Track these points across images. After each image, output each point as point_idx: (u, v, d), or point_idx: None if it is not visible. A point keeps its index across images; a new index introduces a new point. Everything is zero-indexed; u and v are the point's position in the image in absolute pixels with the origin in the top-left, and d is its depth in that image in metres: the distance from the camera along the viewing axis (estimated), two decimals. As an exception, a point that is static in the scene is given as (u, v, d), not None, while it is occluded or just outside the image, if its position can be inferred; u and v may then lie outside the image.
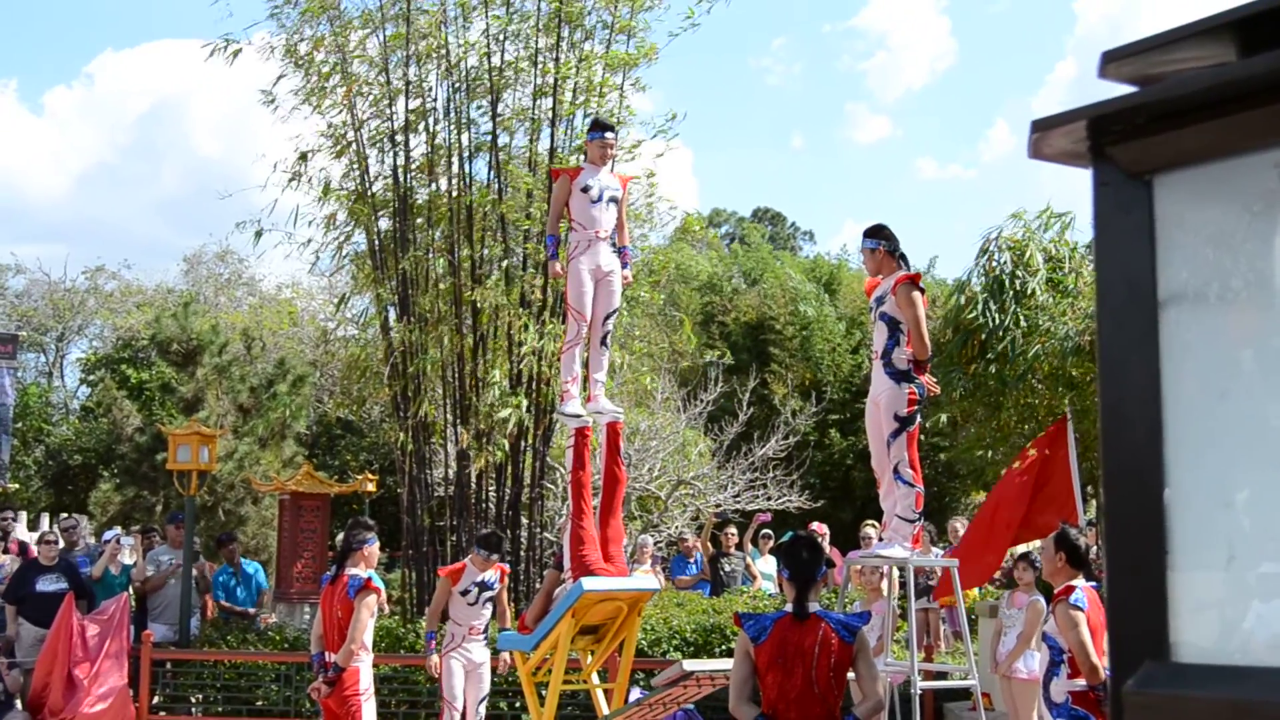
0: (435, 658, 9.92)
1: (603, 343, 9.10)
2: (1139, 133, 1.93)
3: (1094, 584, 7.68)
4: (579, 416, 8.87)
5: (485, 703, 10.06)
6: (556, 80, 14.43)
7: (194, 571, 14.07)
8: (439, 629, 10.00)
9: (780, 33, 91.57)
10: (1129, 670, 1.84)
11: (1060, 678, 7.41)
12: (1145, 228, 1.93)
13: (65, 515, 18.43)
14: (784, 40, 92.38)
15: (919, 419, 8.78)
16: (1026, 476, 11.91)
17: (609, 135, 9.22)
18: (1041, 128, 2.00)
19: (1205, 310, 1.90)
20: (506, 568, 10.53)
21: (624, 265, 9.21)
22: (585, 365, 9.35)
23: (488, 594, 9.87)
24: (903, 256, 8.89)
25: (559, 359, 10.44)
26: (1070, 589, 7.33)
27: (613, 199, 8.99)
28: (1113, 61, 1.98)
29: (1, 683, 12.63)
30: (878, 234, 8.88)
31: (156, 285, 40.20)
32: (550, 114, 14.54)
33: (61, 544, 13.84)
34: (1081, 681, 7.40)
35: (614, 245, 9.09)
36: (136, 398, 26.88)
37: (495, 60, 14.66)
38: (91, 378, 34.38)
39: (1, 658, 12.75)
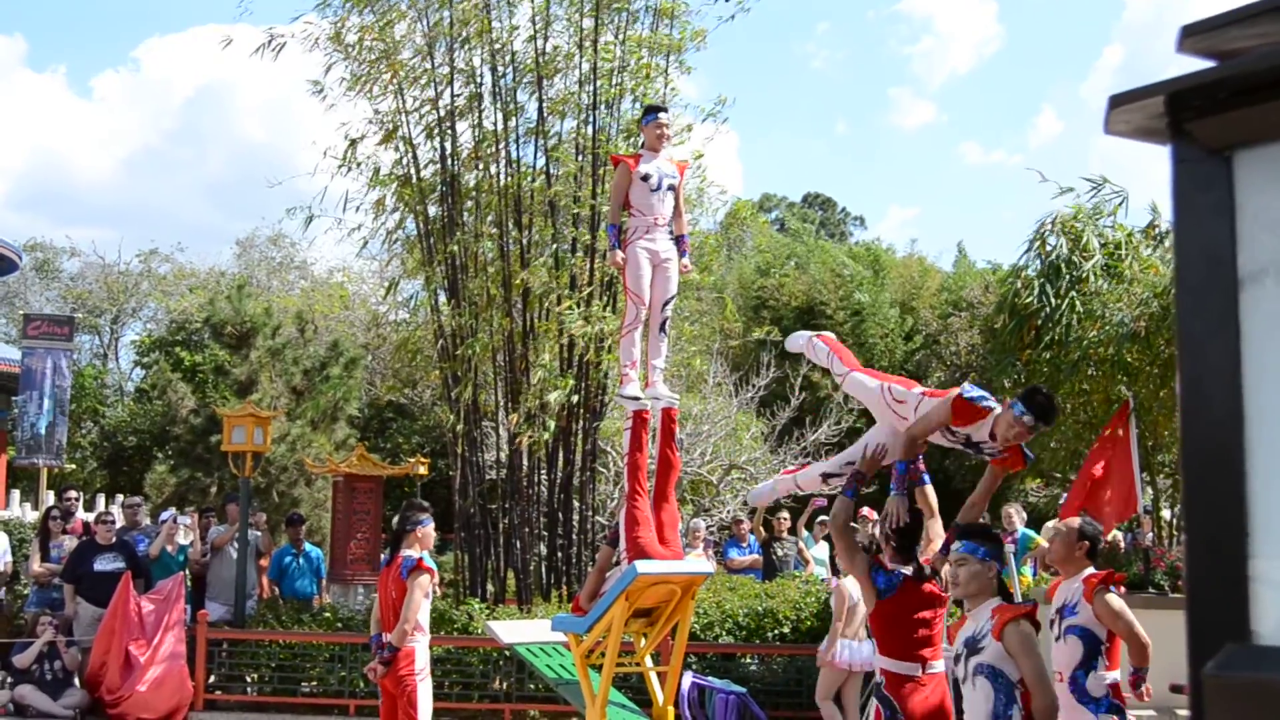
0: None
1: (661, 329, 9.04)
2: (1218, 108, 1.89)
3: None
4: (638, 399, 8.79)
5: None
6: (595, 65, 14.39)
7: (251, 534, 14.21)
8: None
9: (824, 18, 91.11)
10: (1209, 652, 1.81)
11: (1099, 670, 7.03)
12: (1225, 204, 1.90)
13: (127, 496, 18.62)
14: (828, 25, 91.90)
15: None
16: (1089, 464, 11.83)
17: (663, 116, 9.14)
18: (1119, 103, 1.97)
19: (1288, 288, 1.85)
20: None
21: (682, 254, 9.04)
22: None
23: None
24: None
25: (616, 341, 10.35)
26: (1103, 576, 7.18)
27: (671, 186, 8.93)
28: (1191, 35, 1.94)
29: (60, 660, 12.82)
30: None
31: (209, 268, 40.57)
32: (594, 98, 14.52)
33: (121, 523, 14.00)
34: (1115, 673, 7.11)
35: (671, 233, 9.02)
36: (190, 380, 27.12)
37: (540, 45, 14.67)
38: (146, 360, 34.74)
39: (60, 636, 12.94)
